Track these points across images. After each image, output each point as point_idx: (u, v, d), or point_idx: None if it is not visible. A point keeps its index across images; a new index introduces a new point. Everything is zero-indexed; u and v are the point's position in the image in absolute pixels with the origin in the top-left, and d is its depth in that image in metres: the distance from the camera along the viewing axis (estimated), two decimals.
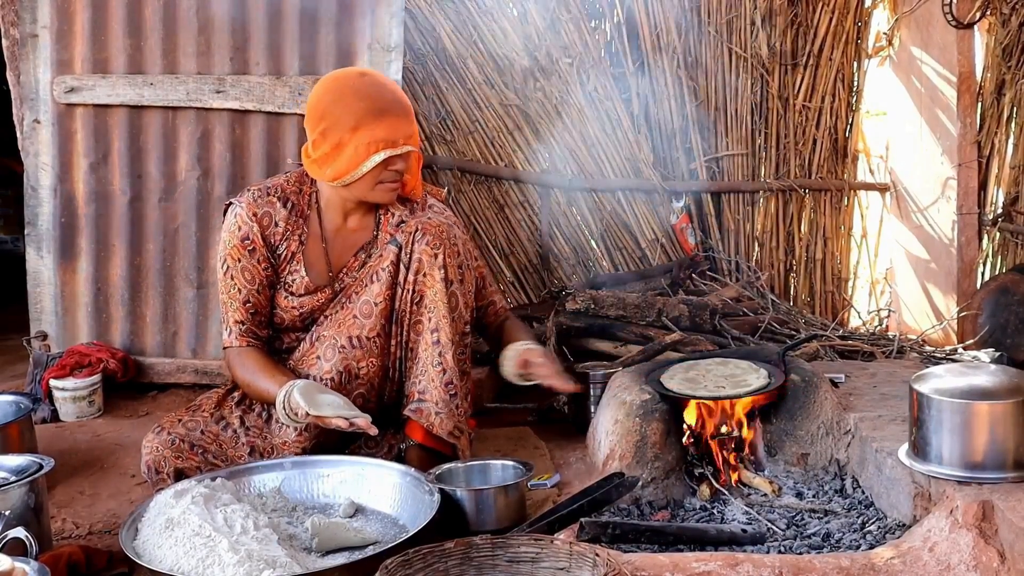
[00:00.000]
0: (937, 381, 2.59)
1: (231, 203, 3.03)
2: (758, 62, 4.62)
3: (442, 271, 2.89)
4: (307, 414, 2.72)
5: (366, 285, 2.96)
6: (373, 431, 2.72)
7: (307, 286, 3.01)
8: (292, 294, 3.02)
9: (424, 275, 2.89)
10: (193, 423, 2.93)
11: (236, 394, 3.06)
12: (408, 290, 2.91)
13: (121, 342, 3.85)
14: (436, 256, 2.89)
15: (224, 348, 3.03)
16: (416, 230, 2.92)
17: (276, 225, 3.00)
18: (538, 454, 3.27)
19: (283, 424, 2.91)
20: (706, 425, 3.01)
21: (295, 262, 3.02)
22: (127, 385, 3.81)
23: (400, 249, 2.93)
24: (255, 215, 2.98)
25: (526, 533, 2.46)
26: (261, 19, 3.79)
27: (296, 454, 2.89)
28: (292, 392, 2.77)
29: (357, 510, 2.77)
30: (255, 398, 2.99)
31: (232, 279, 2.98)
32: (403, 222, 3.00)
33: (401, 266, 2.92)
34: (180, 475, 2.78)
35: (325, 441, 2.95)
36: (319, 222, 3.05)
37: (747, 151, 4.69)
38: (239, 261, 2.97)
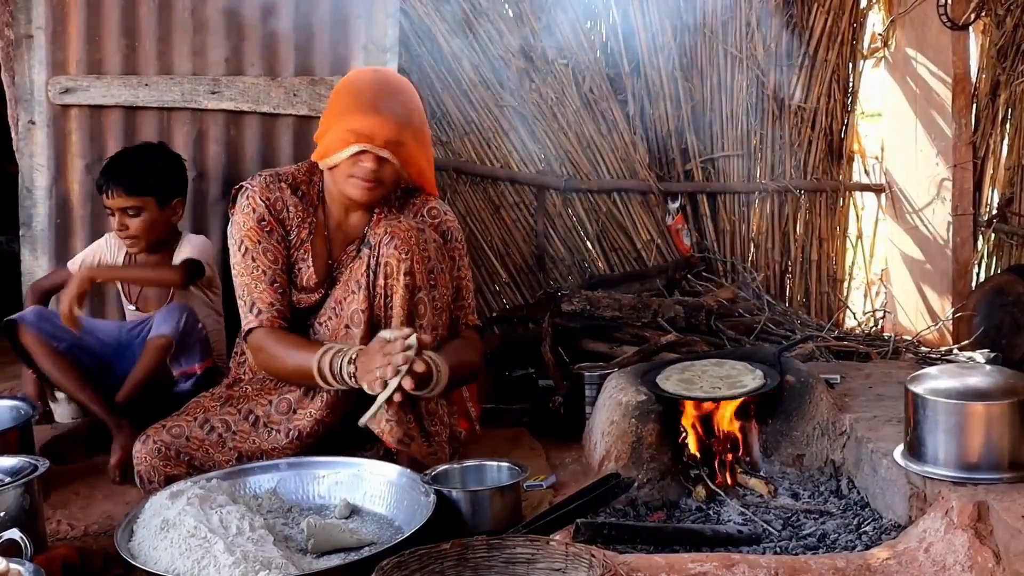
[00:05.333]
0: (932, 382, 2.59)
1: (242, 186, 3.06)
2: (754, 63, 4.63)
3: (408, 277, 2.85)
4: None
5: (352, 291, 2.94)
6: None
7: (310, 277, 3.01)
8: (294, 286, 3.03)
9: (392, 279, 2.86)
10: (177, 429, 2.91)
11: (219, 392, 3.06)
12: (380, 295, 2.88)
13: None
14: (402, 262, 2.84)
15: (248, 330, 3.00)
16: (385, 233, 2.88)
17: (287, 211, 3.02)
18: (534, 455, 3.27)
19: (274, 429, 2.92)
20: (702, 426, 3.02)
21: (303, 251, 3.03)
22: None
23: (370, 252, 2.91)
24: (268, 199, 3.00)
25: (522, 534, 2.46)
26: (256, 20, 3.78)
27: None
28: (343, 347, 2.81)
29: (353, 511, 2.77)
30: (285, 374, 2.95)
31: (254, 260, 2.98)
32: (387, 222, 2.97)
33: (370, 272, 2.89)
34: (171, 483, 2.75)
35: (318, 444, 2.95)
36: (324, 215, 3.07)
37: (742, 152, 4.70)
38: (259, 243, 2.98)
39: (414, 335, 2.74)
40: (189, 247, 3.41)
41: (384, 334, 2.78)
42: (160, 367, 3.21)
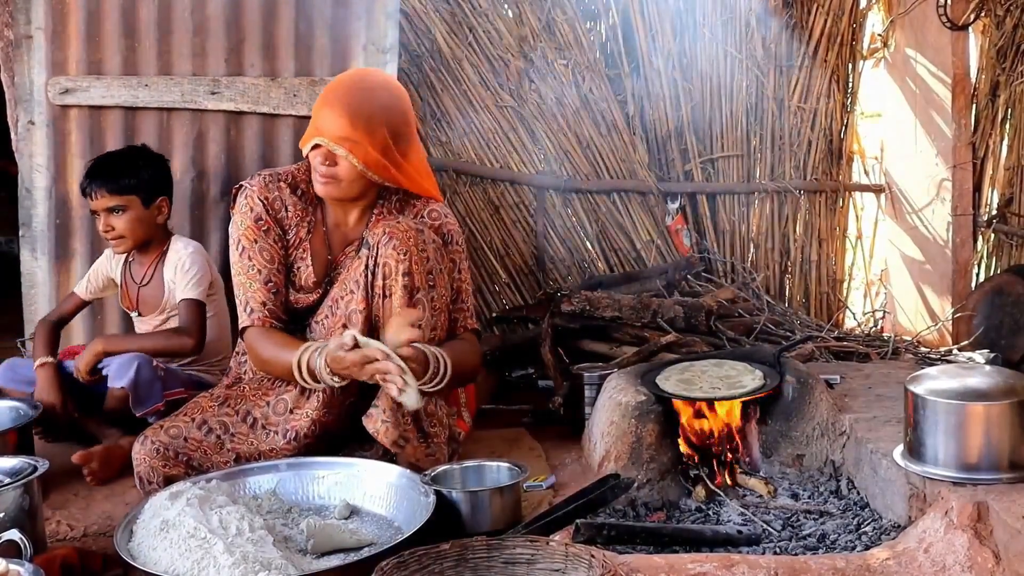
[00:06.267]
0: (932, 382, 2.60)
1: (241, 186, 3.07)
2: (753, 63, 4.63)
3: (406, 277, 2.85)
4: (354, 338, 2.69)
5: (350, 291, 2.94)
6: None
7: (309, 277, 3.02)
8: (292, 286, 3.03)
9: (391, 280, 2.86)
10: (175, 430, 2.91)
11: (218, 392, 3.06)
12: (378, 295, 2.88)
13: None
14: (400, 262, 2.84)
15: (242, 329, 3.02)
16: (383, 233, 2.88)
17: (286, 210, 3.03)
18: (533, 455, 3.27)
19: (272, 431, 2.93)
20: (701, 426, 3.02)
21: (302, 250, 3.04)
22: None
23: (368, 252, 2.91)
24: (266, 198, 3.02)
25: (522, 535, 2.46)
26: (256, 20, 3.78)
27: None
28: (321, 344, 2.81)
29: (352, 512, 2.77)
30: (277, 372, 2.95)
31: (250, 259, 2.99)
32: (385, 222, 2.97)
33: (368, 272, 2.89)
34: (170, 483, 2.76)
35: (318, 444, 2.95)
36: (323, 214, 3.08)
37: (742, 152, 4.70)
38: (255, 242, 2.99)
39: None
40: (174, 259, 3.39)
41: (346, 336, 2.75)
42: (124, 409, 3.23)
